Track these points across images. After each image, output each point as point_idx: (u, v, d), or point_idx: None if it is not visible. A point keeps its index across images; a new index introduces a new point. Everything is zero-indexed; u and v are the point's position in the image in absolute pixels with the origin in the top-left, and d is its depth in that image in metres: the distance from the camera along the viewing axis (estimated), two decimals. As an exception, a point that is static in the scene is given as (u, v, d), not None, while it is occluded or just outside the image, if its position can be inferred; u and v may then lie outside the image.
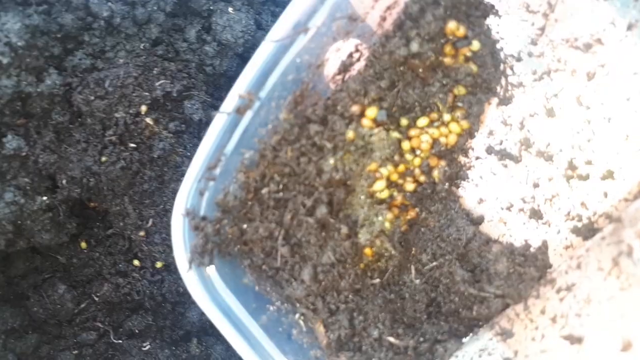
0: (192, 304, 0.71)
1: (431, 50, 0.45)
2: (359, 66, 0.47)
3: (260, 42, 0.68)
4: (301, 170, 0.46)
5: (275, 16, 0.71)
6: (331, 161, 0.45)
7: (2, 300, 0.64)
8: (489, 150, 0.49)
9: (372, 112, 0.46)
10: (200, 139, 0.67)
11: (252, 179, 0.46)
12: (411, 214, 0.49)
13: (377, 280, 0.48)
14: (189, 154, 0.66)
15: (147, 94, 0.62)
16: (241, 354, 0.47)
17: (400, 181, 0.48)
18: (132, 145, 0.62)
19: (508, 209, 0.49)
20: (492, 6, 0.46)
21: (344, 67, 0.47)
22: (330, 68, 0.47)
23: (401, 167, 0.47)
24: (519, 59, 0.47)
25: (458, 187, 0.50)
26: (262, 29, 0.70)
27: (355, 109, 0.46)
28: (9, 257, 0.64)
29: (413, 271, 0.48)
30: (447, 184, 0.50)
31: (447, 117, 0.47)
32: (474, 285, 0.46)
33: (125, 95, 0.61)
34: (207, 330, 0.72)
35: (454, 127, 0.48)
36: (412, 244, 0.49)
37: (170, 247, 0.67)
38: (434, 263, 0.48)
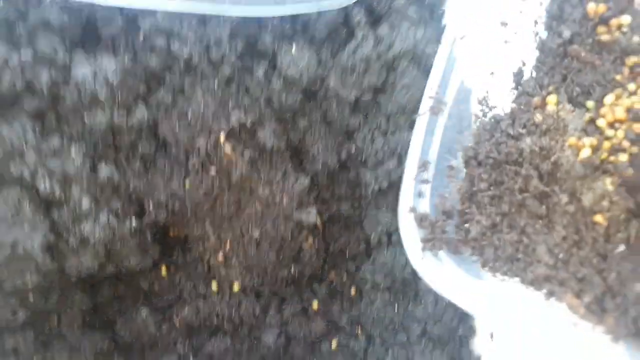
0: (267, 327, 0.72)
1: (584, 34, 0.48)
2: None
3: (322, 76, 0.74)
4: (503, 157, 0.49)
5: (333, 52, 0.77)
6: (527, 140, 0.48)
7: (90, 325, 0.67)
8: None
9: (552, 98, 0.48)
10: (272, 165, 0.72)
11: (464, 184, 0.52)
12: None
13: (622, 248, 0.46)
14: (262, 179, 0.70)
15: (224, 125, 0.67)
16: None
17: (608, 156, 0.48)
18: (213, 171, 0.66)
19: None
20: None
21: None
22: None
23: (606, 144, 0.48)
24: None
25: None
26: (322, 64, 0.76)
27: (536, 100, 0.49)
28: (97, 284, 0.68)
29: None
30: None
31: (632, 86, 0.48)
32: None
33: (205, 125, 0.66)
34: (281, 355, 0.73)
35: None
36: None
37: (246, 269, 0.70)
38: None
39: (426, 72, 0.75)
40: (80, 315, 0.65)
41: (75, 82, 0.60)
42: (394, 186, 0.74)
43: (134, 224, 0.63)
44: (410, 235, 0.54)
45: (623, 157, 0.48)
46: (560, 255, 0.47)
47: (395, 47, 0.72)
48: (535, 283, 0.48)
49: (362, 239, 0.76)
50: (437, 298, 0.67)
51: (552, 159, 0.47)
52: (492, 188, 0.51)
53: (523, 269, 0.49)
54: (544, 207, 0.48)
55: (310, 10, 0.70)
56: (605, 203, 0.46)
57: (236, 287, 0.70)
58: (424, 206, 0.55)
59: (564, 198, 0.47)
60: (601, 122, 0.48)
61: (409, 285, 0.71)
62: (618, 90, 0.49)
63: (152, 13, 0.68)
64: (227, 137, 0.67)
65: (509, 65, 0.54)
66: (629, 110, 0.48)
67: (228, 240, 0.69)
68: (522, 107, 0.50)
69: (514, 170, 0.50)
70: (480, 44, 0.54)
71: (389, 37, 0.72)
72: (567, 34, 0.48)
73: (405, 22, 0.75)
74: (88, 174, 0.60)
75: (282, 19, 0.75)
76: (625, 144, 0.48)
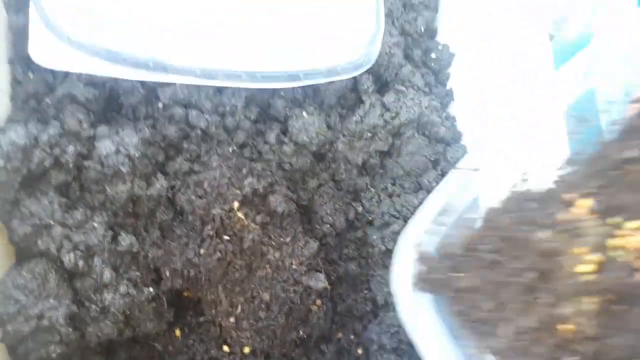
0: (275, 388, 0.74)
1: None
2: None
3: (331, 140, 0.77)
4: (517, 236, 0.51)
5: (342, 117, 0.80)
6: (544, 234, 0.50)
7: (106, 388, 0.68)
8: None
9: (585, 203, 0.49)
10: (282, 228, 0.74)
11: (474, 238, 0.54)
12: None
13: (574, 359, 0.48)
14: (273, 243, 0.73)
15: (238, 191, 0.70)
16: None
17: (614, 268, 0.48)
18: (226, 237, 0.69)
19: None
20: None
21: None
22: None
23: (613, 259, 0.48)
24: None
25: None
26: (331, 128, 0.79)
27: (570, 196, 0.51)
28: (113, 347, 0.70)
29: None
30: None
31: None
32: None
33: (220, 194, 0.68)
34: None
35: None
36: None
37: (256, 332, 0.72)
38: None
39: (431, 138, 0.78)
40: (98, 379, 0.66)
41: (99, 155, 0.62)
42: (400, 248, 0.77)
43: (151, 291, 0.65)
44: (404, 266, 0.56)
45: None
46: (519, 343, 0.50)
47: (401, 116, 0.75)
48: (486, 351, 0.52)
49: (369, 299, 0.78)
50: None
51: (557, 260, 0.50)
52: (495, 255, 0.54)
53: (483, 334, 0.52)
54: (529, 296, 0.51)
55: (322, 81, 0.74)
56: (580, 319, 0.48)
57: (247, 349, 0.72)
58: (429, 245, 0.58)
59: (548, 298, 0.49)
60: (612, 242, 0.50)
61: (415, 347, 0.74)
62: None
63: (171, 84, 0.71)
64: (241, 204, 0.70)
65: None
66: None
67: (239, 304, 0.71)
68: (554, 196, 0.52)
69: (520, 252, 0.52)
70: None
71: (395, 105, 0.76)
72: (631, 154, 0.48)
73: (411, 90, 0.78)
74: (109, 244, 0.63)
75: (294, 87, 0.79)
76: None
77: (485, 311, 0.51)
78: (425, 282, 0.55)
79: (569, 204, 0.51)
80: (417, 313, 0.56)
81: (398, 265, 0.56)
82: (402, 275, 0.56)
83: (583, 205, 0.50)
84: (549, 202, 0.52)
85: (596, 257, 0.49)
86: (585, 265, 0.48)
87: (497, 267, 0.52)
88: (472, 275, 0.53)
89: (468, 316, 0.53)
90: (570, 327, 0.48)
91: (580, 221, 0.49)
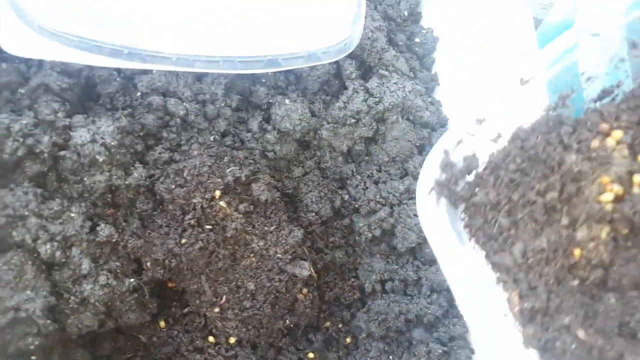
0: (262, 378, 0.73)
1: None
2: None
3: (315, 127, 0.76)
4: (544, 156, 0.51)
5: (326, 104, 0.79)
6: (573, 157, 0.50)
7: (89, 380, 0.68)
8: None
9: (618, 134, 0.50)
10: (266, 217, 0.73)
11: (496, 155, 0.54)
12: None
13: (576, 282, 0.49)
14: (257, 231, 0.72)
15: (219, 180, 0.69)
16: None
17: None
18: (208, 227, 0.68)
19: None
20: None
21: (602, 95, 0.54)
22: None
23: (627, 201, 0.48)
24: None
25: None
26: (315, 115, 0.78)
27: (604, 126, 0.51)
28: (97, 339, 0.69)
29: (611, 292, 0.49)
30: None
31: None
32: None
33: (201, 182, 0.68)
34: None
35: None
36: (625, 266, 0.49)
37: (242, 322, 0.71)
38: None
39: (416, 123, 0.77)
40: (80, 372, 0.66)
41: (75, 145, 0.61)
42: (387, 234, 0.76)
43: (132, 282, 0.64)
44: (430, 170, 0.57)
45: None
46: (530, 260, 0.50)
47: (385, 101, 0.74)
48: (495, 267, 0.52)
49: (357, 287, 0.77)
50: (430, 349, 0.69)
51: (581, 184, 0.49)
52: (517, 173, 0.53)
53: (495, 250, 0.52)
54: (545, 216, 0.51)
55: (303, 66, 0.73)
56: (591, 245, 0.49)
57: (233, 339, 0.71)
58: (457, 155, 0.57)
59: (565, 220, 0.49)
60: (637, 178, 0.50)
61: (402, 335, 0.73)
62: None
63: (149, 71, 0.70)
64: (223, 193, 0.69)
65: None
66: None
67: (224, 294, 0.70)
68: (589, 123, 0.52)
69: (544, 172, 0.52)
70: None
71: (379, 90, 0.75)
72: None
73: (394, 75, 0.77)
74: (87, 235, 0.62)
75: (275, 72, 0.77)
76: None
77: (498, 228, 0.51)
78: (444, 189, 0.56)
79: (603, 133, 0.51)
80: (433, 215, 0.56)
81: (426, 167, 0.57)
82: (426, 177, 0.57)
83: (616, 137, 0.50)
84: (582, 128, 0.51)
85: (619, 188, 0.49)
86: (607, 194, 0.48)
87: (517, 185, 0.52)
88: (490, 191, 0.53)
89: (480, 230, 0.53)
90: (581, 252, 0.48)
91: (611, 151, 0.49)
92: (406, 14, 0.83)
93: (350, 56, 0.77)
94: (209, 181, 0.68)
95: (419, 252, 0.75)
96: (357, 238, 0.78)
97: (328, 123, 0.77)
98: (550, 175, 0.51)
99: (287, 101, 0.76)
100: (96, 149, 0.61)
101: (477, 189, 0.54)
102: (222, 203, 0.69)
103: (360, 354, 0.73)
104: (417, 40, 0.82)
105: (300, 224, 0.76)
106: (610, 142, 0.51)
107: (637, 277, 0.48)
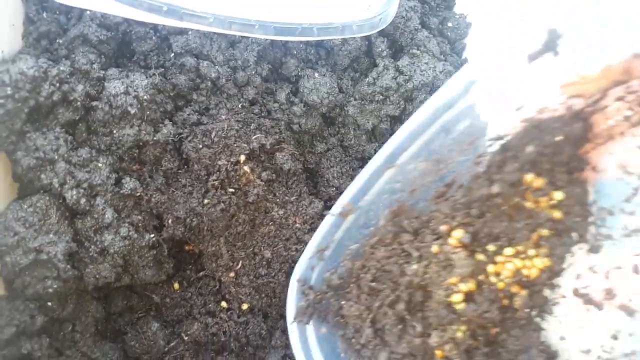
0: (272, 349, 0.73)
1: (513, 194, 0.51)
2: (455, 194, 0.54)
3: (342, 103, 0.76)
4: (389, 269, 0.53)
5: (354, 80, 0.79)
6: (414, 267, 0.52)
7: (102, 335, 0.68)
8: (575, 292, 0.52)
9: (458, 233, 0.52)
10: (288, 187, 0.74)
11: (355, 267, 0.57)
12: (491, 331, 0.52)
13: None
14: (277, 200, 0.72)
15: (245, 145, 0.69)
16: None
17: (481, 300, 0.52)
18: (231, 190, 0.68)
19: (586, 353, 0.51)
20: (582, 165, 0.52)
21: (441, 194, 0.55)
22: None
23: (485, 287, 0.52)
24: (611, 213, 0.51)
25: (542, 319, 0.53)
26: (342, 92, 0.78)
27: (444, 228, 0.53)
28: (110, 294, 0.69)
29: None
30: (530, 312, 0.53)
31: (531, 252, 0.52)
32: None
33: (227, 145, 0.68)
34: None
35: (537, 262, 0.53)
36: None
37: (255, 289, 0.71)
38: None
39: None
40: (93, 324, 0.66)
41: (108, 96, 0.62)
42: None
43: (152, 238, 0.65)
44: (292, 301, 0.61)
45: (494, 306, 0.51)
46: None
47: (415, 79, 0.74)
48: None
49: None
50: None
51: (429, 290, 0.51)
52: (373, 283, 0.55)
53: (365, 358, 0.55)
54: (400, 326, 0.52)
55: (336, 37, 0.73)
56: (448, 347, 0.51)
57: (245, 306, 0.71)
58: (314, 278, 0.61)
59: (418, 327, 0.51)
60: (490, 268, 0.52)
61: None
62: (520, 247, 0.52)
63: (184, 32, 0.70)
64: (247, 158, 0.69)
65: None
66: (518, 270, 0.52)
67: (240, 259, 0.70)
68: (428, 229, 0.54)
69: (393, 284, 0.53)
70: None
71: (409, 69, 0.75)
72: (495, 189, 0.51)
73: (425, 55, 0.77)
74: (113, 186, 0.62)
75: (307, 44, 0.78)
76: (501, 295, 0.52)
77: (365, 337, 0.54)
78: (308, 311, 0.59)
79: (441, 235, 0.53)
80: (303, 341, 0.60)
81: (289, 298, 0.61)
82: (291, 308, 0.61)
83: (458, 238, 0.51)
84: (422, 233, 0.53)
85: (466, 286, 0.50)
86: (456, 295, 0.50)
87: (377, 294, 0.54)
88: (353, 302, 0.55)
89: (351, 342, 0.56)
90: (442, 353, 0.51)
91: (452, 252, 0.51)
92: (440, -2, 0.83)
93: (383, 34, 0.77)
94: (235, 145, 0.68)
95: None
96: (375, 217, 0.78)
97: (355, 100, 0.77)
98: (397, 287, 0.52)
99: (316, 74, 0.77)
100: (129, 100, 0.62)
101: (343, 302, 0.57)
102: (246, 168, 0.69)
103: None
104: (449, 24, 0.82)
105: (320, 197, 0.76)
106: (452, 242, 0.52)
107: None
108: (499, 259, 0.52)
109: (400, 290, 0.53)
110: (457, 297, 0.51)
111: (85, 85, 0.62)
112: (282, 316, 0.75)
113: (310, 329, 0.60)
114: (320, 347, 0.60)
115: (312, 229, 0.72)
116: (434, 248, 0.53)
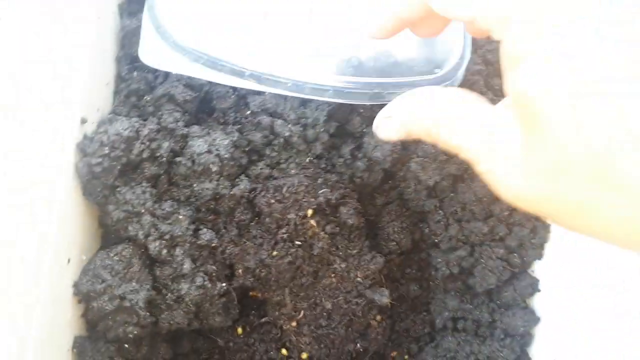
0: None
1: None
2: None
3: (404, 159, 0.78)
4: None
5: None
6: None
7: (169, 375, 0.71)
8: None
9: None
10: (350, 240, 0.76)
11: None
12: None
13: None
14: (340, 253, 0.74)
15: (312, 199, 0.72)
16: None
17: None
18: (298, 242, 0.71)
19: None
20: None
21: None
22: None
23: None
24: None
25: None
26: (406, 149, 0.80)
27: None
28: (178, 336, 0.73)
29: None
30: None
31: None
32: None
33: (297, 200, 0.71)
34: None
35: None
36: None
37: (315, 339, 0.74)
38: None
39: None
40: (162, 366, 0.69)
41: (191, 153, 0.66)
42: (464, 273, 0.78)
43: (223, 286, 0.68)
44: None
45: None
46: None
47: (479, 142, 0.76)
48: None
49: (427, 321, 0.78)
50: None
51: None
52: None
53: None
54: None
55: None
56: None
57: (305, 355, 0.74)
58: None
59: None
60: None
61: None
62: None
63: (262, 93, 0.74)
64: (314, 212, 0.72)
65: None
66: None
67: (302, 309, 0.73)
68: None
69: None
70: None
71: (473, 132, 0.77)
72: None
73: (488, 119, 0.79)
74: (191, 237, 0.66)
75: (373, 104, 0.81)
76: None
77: None
78: None
79: None
80: None
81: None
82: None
83: None
84: None
85: None
86: None
87: None
88: None
89: None
90: None
91: None
92: (504, 60, 0.85)
93: (448, 96, 0.79)
94: (303, 200, 0.72)
95: (496, 295, 0.76)
96: (433, 273, 0.80)
97: (418, 157, 0.79)
98: None
99: (381, 132, 0.79)
100: (211, 159, 0.66)
101: None
102: (312, 222, 0.72)
103: (426, 388, 0.74)
104: (512, 87, 0.84)
105: (380, 251, 0.78)
106: None
107: None
108: None
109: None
110: None
111: (170, 142, 0.66)
112: (339, 366, 0.77)
113: None
114: None
115: (373, 284, 0.75)
116: None
